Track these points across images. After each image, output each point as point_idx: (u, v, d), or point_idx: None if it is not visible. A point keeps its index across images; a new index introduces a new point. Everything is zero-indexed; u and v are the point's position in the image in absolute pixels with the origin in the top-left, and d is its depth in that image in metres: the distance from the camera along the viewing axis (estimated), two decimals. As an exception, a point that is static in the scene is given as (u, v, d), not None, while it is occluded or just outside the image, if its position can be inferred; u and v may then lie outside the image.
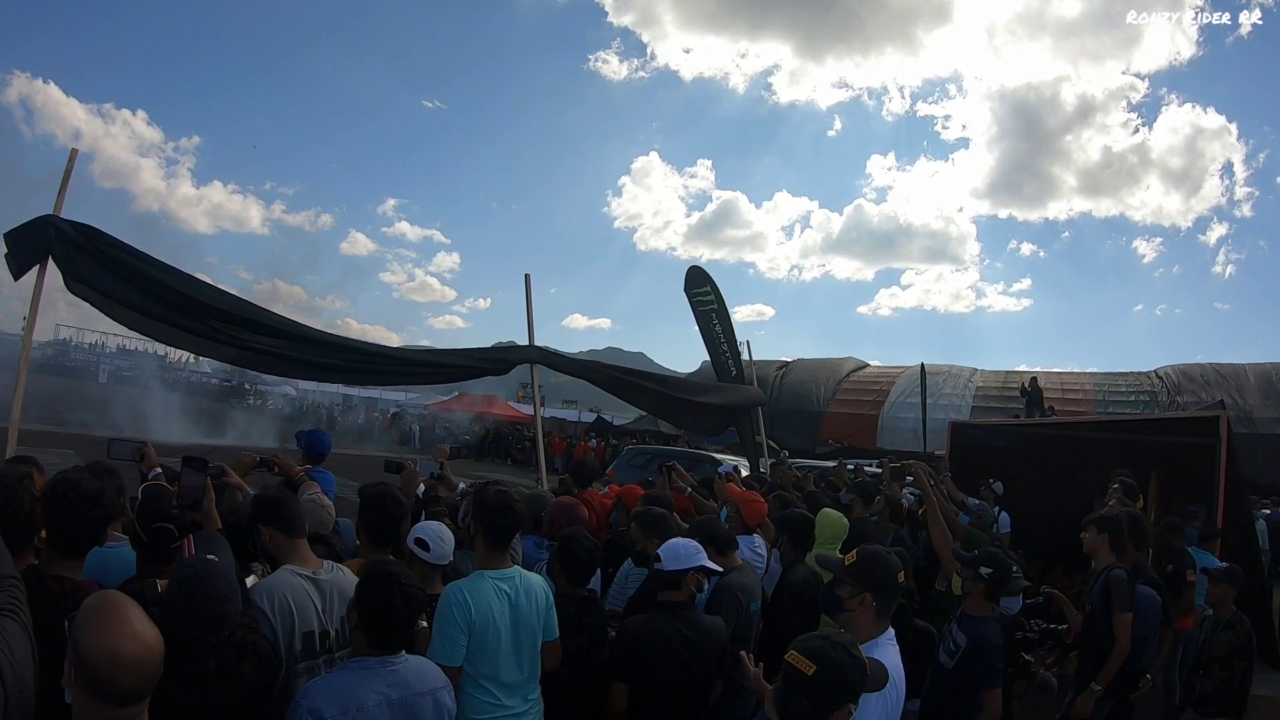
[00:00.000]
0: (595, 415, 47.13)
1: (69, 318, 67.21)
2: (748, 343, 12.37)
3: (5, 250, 5.52)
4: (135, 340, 65.23)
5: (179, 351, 64.55)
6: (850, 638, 2.76)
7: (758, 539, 5.95)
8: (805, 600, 5.41)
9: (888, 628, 3.50)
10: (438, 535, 4.06)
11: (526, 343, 7.82)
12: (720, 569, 4.47)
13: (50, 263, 5.53)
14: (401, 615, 2.97)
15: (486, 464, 38.53)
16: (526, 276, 8.08)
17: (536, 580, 3.98)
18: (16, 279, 5.52)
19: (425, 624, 3.55)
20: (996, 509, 9.66)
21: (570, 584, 4.36)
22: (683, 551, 4.20)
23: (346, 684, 2.92)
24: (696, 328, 12.03)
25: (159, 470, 4.07)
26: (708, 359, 12.54)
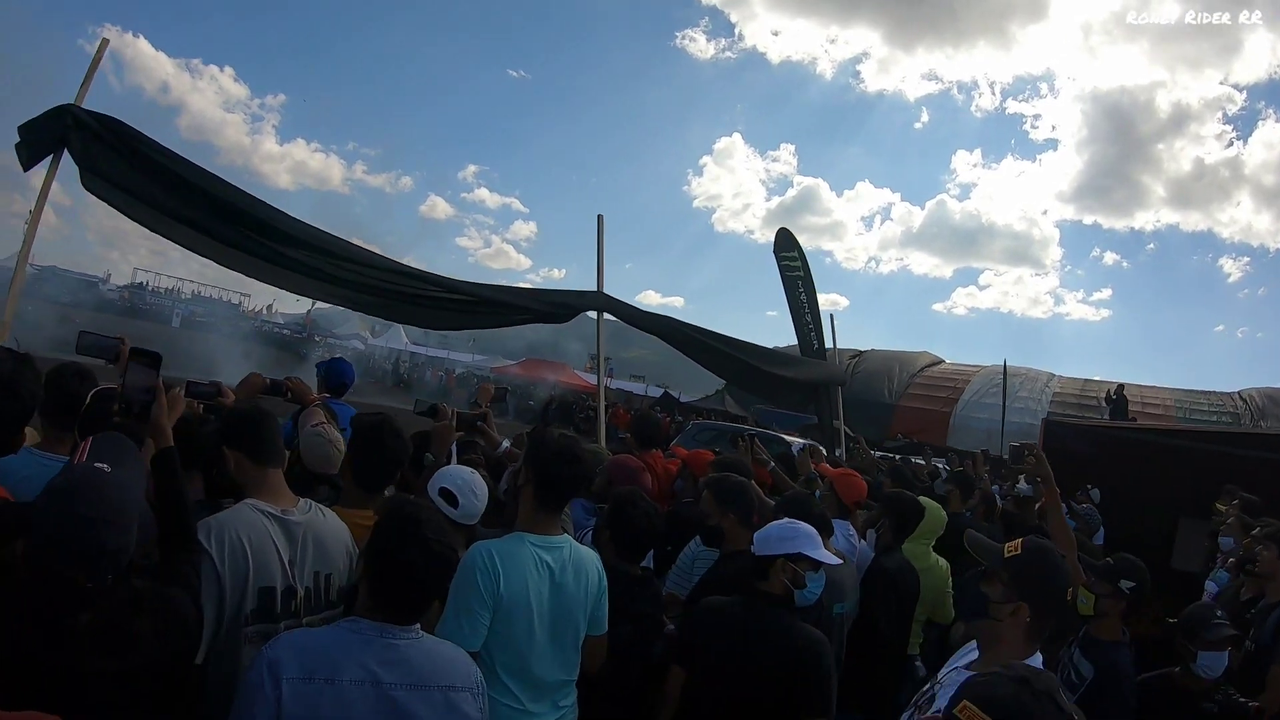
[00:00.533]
0: (662, 390, 46.08)
1: (148, 263, 68.74)
2: (831, 315, 11.41)
3: (17, 140, 4.88)
4: (211, 287, 66.45)
5: (253, 300, 65.82)
6: (1054, 682, 1.67)
7: (850, 525, 5.08)
8: (902, 593, 4.70)
9: (1036, 652, 2.48)
10: (469, 486, 3.19)
11: (594, 290, 6.96)
12: (830, 558, 3.45)
13: (66, 156, 4.86)
14: (419, 573, 2.21)
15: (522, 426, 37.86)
16: (599, 218, 7.22)
17: (590, 557, 3.13)
18: (26, 169, 4.87)
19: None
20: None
21: (621, 557, 3.49)
22: (776, 534, 3.31)
23: (325, 644, 2.16)
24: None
25: None
26: (784, 344, 11.68)
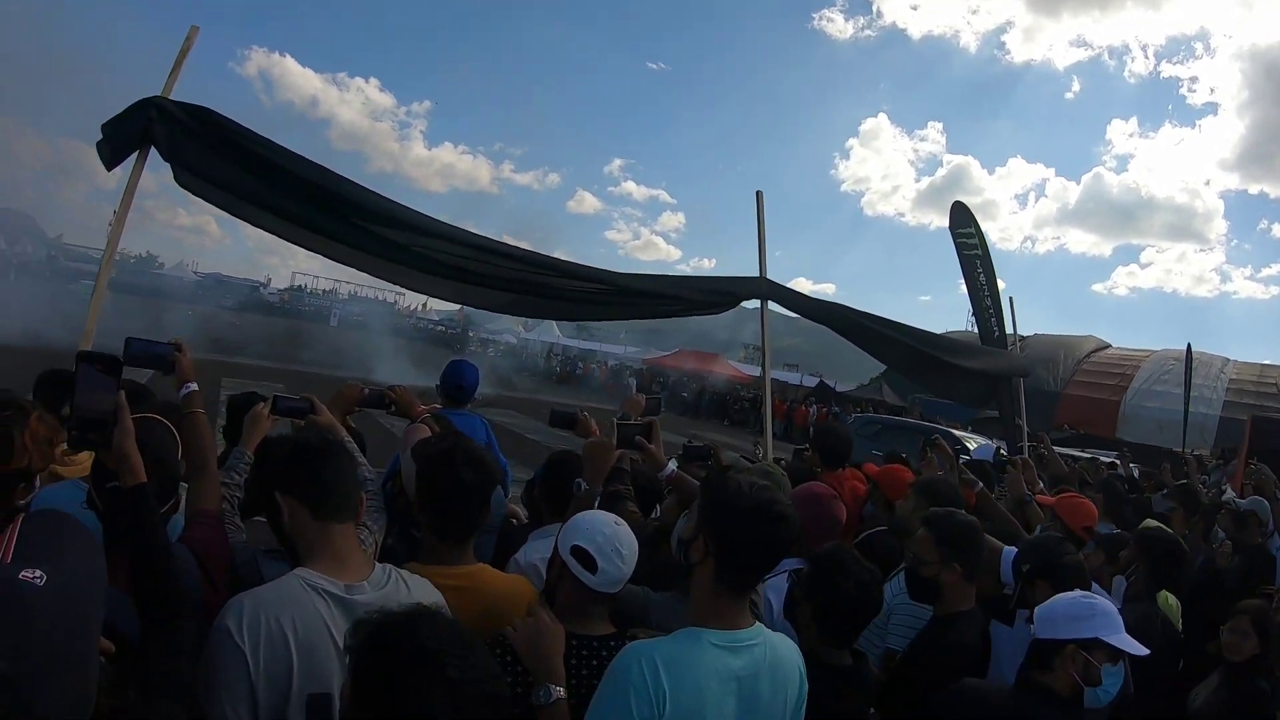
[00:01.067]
0: (818, 379, 44.69)
1: (305, 266, 71.81)
2: (1010, 299, 10.12)
3: (99, 139, 4.38)
4: (366, 287, 68.65)
5: (408, 298, 67.61)
6: None
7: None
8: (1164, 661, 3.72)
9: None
10: (612, 545, 2.22)
11: (756, 275, 6.09)
12: (1136, 648, 2.47)
13: (152, 151, 4.32)
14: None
15: (702, 423, 37.17)
16: (758, 195, 6.32)
17: (789, 652, 2.14)
18: (110, 169, 4.36)
19: (562, 692, 2.01)
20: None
21: (825, 640, 2.57)
22: (1064, 611, 2.44)
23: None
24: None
25: (192, 387, 2.68)
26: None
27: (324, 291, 74.03)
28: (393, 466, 3.57)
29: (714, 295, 5.84)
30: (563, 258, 5.25)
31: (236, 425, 3.00)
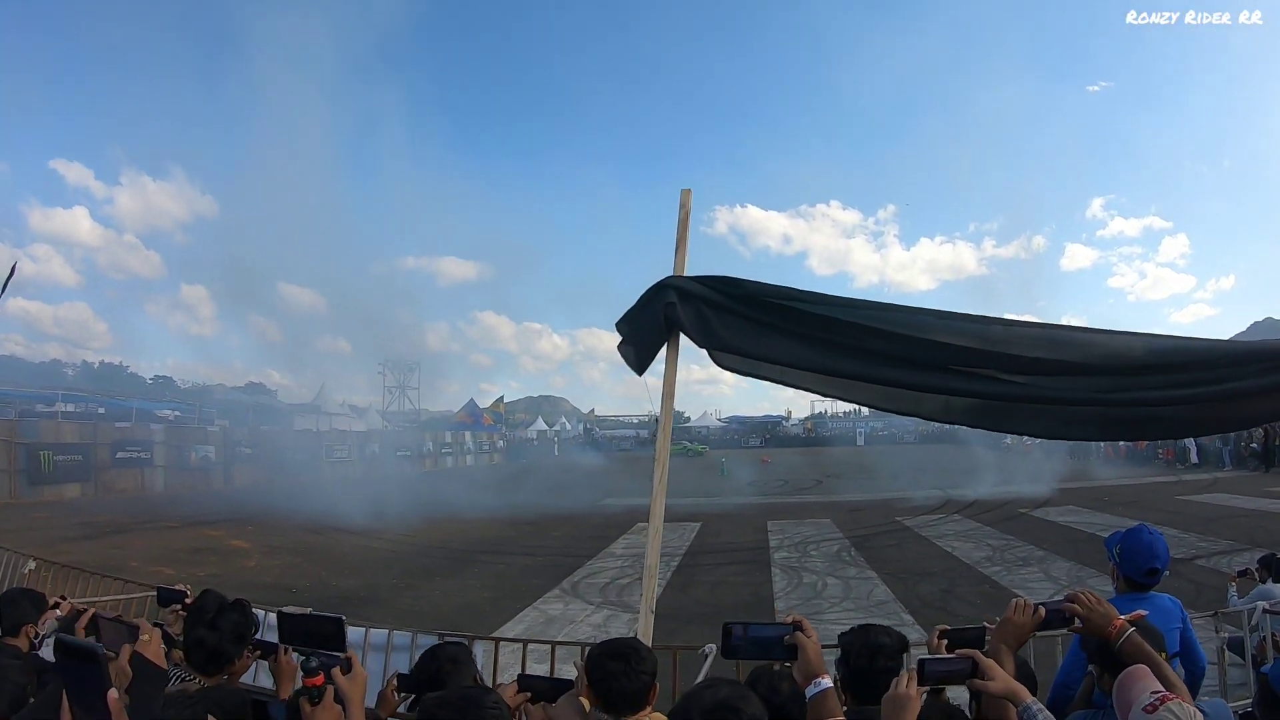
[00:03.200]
0: None
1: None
2: None
3: (620, 340, 4.24)
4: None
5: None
6: None
7: None
8: None
9: None
10: None
11: None
12: None
13: (681, 338, 4.08)
14: None
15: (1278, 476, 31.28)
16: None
17: None
18: (640, 373, 4.21)
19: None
20: None
21: None
22: None
23: None
24: None
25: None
26: None
27: (844, 413, 75.64)
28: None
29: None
30: (1072, 318, 3.95)
31: None
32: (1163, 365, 3.72)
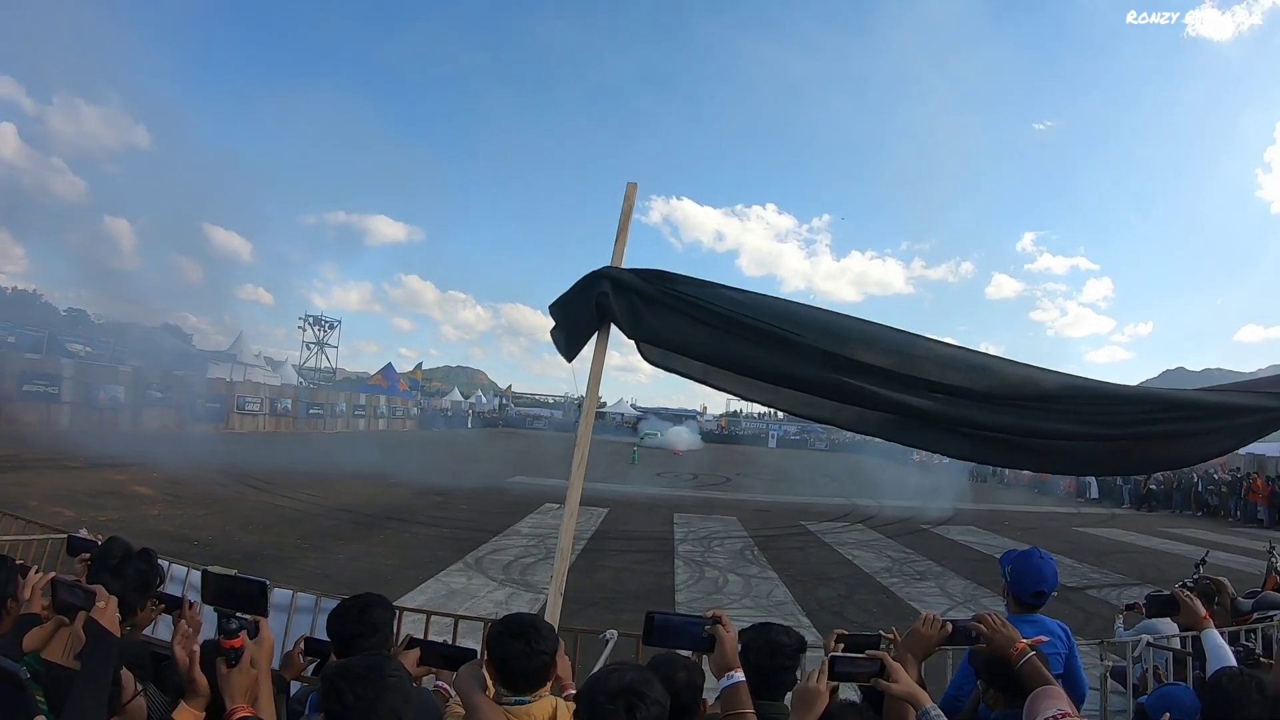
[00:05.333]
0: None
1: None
2: None
3: (552, 325, 4.27)
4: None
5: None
6: None
7: None
8: None
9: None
10: None
11: None
12: None
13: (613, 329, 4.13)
14: None
15: (1173, 516, 33.09)
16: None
17: None
18: (569, 360, 4.27)
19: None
20: None
21: None
22: None
23: None
24: None
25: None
26: None
27: (759, 415, 76.33)
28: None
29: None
30: (991, 345, 4.09)
31: None
32: (1070, 400, 3.87)
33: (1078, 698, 3.60)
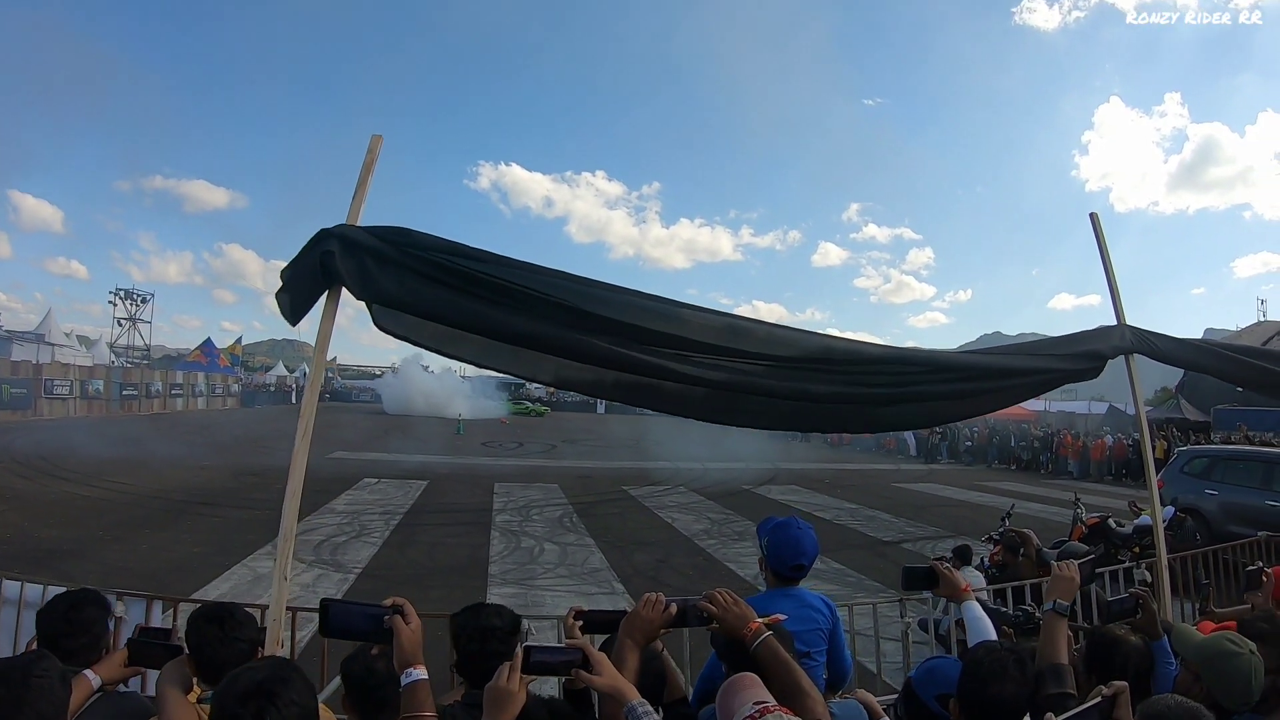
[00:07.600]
0: (1106, 405, 40.76)
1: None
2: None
3: (279, 288, 3.95)
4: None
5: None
6: None
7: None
8: None
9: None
10: None
11: (1114, 324, 4.99)
12: None
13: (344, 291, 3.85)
14: None
15: (989, 470, 35.13)
16: (1093, 218, 5.10)
17: None
18: (294, 324, 3.96)
19: None
20: None
21: None
22: None
23: None
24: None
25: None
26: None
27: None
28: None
29: (1079, 361, 4.71)
30: (818, 317, 4.20)
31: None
32: (828, 362, 3.91)
33: (841, 673, 3.44)
